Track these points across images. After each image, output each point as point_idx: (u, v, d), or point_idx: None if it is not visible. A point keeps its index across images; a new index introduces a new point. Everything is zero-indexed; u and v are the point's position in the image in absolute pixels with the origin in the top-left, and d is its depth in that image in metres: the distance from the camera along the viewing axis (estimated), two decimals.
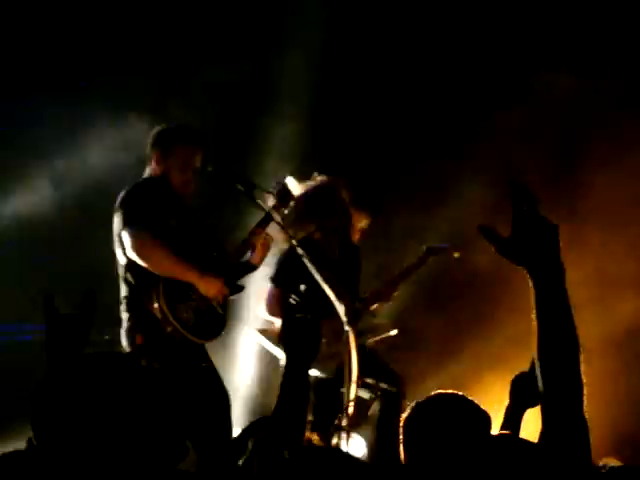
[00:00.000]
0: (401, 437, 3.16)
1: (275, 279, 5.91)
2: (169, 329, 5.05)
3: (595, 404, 2.67)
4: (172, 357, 5.01)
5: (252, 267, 5.46)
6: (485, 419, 3.31)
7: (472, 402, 3.31)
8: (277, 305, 5.84)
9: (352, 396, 4.83)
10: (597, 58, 7.51)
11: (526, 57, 7.66)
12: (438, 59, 7.75)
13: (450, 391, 3.31)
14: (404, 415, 3.17)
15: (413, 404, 3.20)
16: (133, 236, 5.04)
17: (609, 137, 7.26)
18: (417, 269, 6.34)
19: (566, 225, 2.48)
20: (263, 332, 5.87)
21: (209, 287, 5.19)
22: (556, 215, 2.40)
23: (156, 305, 5.05)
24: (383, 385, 5.54)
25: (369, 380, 5.64)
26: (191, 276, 5.15)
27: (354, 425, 4.97)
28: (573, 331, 2.36)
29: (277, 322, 5.71)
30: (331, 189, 6.02)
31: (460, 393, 3.32)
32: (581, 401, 2.40)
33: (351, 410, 4.81)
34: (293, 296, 5.02)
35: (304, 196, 5.85)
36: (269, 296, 5.92)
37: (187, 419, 4.31)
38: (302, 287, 5.59)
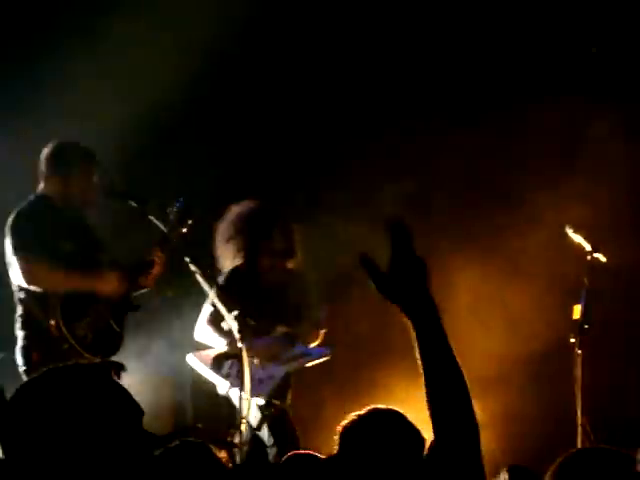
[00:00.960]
0: (336, 445, 3.25)
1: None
2: (65, 346, 5.11)
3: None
4: None
5: (141, 287, 5.53)
6: (419, 440, 3.36)
7: (408, 422, 3.37)
8: (211, 326, 5.80)
9: (244, 413, 4.94)
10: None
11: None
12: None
13: (389, 407, 3.39)
14: (342, 423, 3.25)
15: (353, 415, 3.27)
16: (23, 264, 5.12)
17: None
18: None
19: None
20: (199, 357, 5.77)
21: (107, 283, 5.29)
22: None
23: (52, 322, 5.11)
24: (275, 402, 5.60)
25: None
26: (88, 281, 5.25)
27: (245, 441, 5.08)
28: (455, 368, 2.34)
29: (213, 345, 5.71)
30: (274, 211, 6.02)
31: (398, 410, 3.39)
32: (475, 443, 2.37)
33: (243, 427, 4.92)
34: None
35: (246, 215, 5.87)
36: (203, 316, 5.87)
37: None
38: (235, 312, 5.54)
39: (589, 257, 5.83)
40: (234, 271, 5.81)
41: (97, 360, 5.20)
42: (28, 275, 5.11)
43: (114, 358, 5.25)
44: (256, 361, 5.51)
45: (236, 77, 7.64)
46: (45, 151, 5.43)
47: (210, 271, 5.35)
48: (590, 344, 5.83)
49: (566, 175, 7.27)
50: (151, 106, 6.78)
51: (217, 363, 5.62)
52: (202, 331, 5.75)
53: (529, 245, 7.07)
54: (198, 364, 5.67)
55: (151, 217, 5.37)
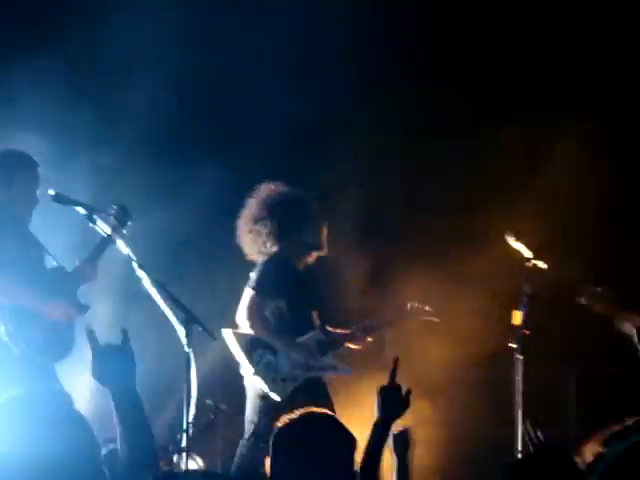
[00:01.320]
0: (270, 449, 3.34)
1: (256, 287, 5.95)
2: (16, 350, 5.26)
3: None
4: (22, 378, 5.17)
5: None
6: (350, 443, 3.54)
7: (341, 425, 3.53)
8: (254, 313, 5.92)
9: (191, 418, 5.05)
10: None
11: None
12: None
13: (322, 410, 3.56)
14: (276, 427, 3.35)
15: (285, 419, 3.39)
16: None
17: None
18: (394, 325, 6.47)
19: None
20: (236, 335, 5.88)
21: (55, 311, 5.43)
22: None
23: (2, 329, 5.26)
24: (222, 405, 5.74)
25: (208, 401, 5.86)
26: (37, 305, 5.39)
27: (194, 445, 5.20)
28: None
29: (249, 330, 5.83)
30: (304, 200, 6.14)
31: (330, 413, 3.59)
32: None
33: (190, 432, 5.03)
34: None
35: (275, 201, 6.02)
36: (249, 303, 5.97)
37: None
38: (282, 302, 5.81)
39: (529, 264, 6.01)
40: (280, 259, 5.93)
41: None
42: None
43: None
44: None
45: None
46: None
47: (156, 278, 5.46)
48: (529, 349, 6.05)
49: (514, 192, 7.71)
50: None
51: (251, 346, 5.79)
52: (247, 315, 5.91)
53: (474, 256, 7.39)
54: (232, 340, 5.81)
55: (96, 219, 5.49)
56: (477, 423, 7.22)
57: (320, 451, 3.40)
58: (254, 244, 6.05)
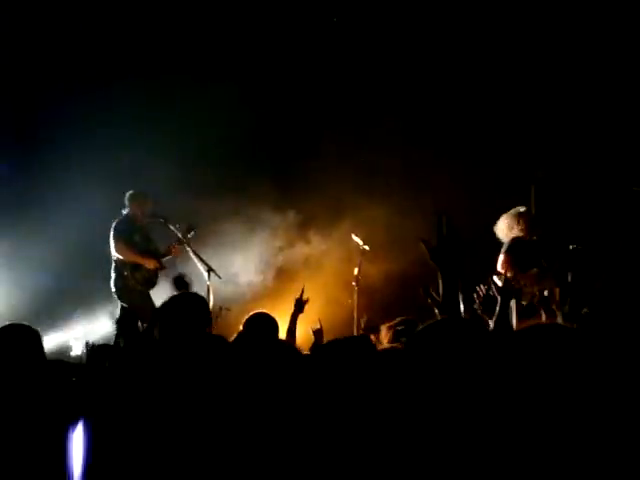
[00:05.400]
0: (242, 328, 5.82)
1: (507, 251, 8.62)
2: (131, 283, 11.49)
3: None
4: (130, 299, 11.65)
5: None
6: (274, 325, 5.97)
7: (269, 315, 5.89)
8: (506, 268, 8.22)
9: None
10: None
11: None
12: None
13: (261, 310, 6.23)
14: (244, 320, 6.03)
15: (252, 313, 6.00)
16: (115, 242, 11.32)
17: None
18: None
19: None
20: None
21: (150, 263, 11.61)
22: None
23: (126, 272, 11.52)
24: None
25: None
26: (140, 259, 11.55)
27: None
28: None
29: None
30: None
31: (265, 311, 6.18)
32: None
33: None
34: None
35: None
36: (502, 262, 8.59)
37: None
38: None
39: (362, 248, 11.99)
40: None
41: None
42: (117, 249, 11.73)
43: None
44: None
45: None
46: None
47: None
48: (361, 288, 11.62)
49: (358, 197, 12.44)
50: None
51: None
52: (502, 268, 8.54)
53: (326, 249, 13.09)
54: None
55: (171, 227, 11.73)
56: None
57: (264, 332, 6.01)
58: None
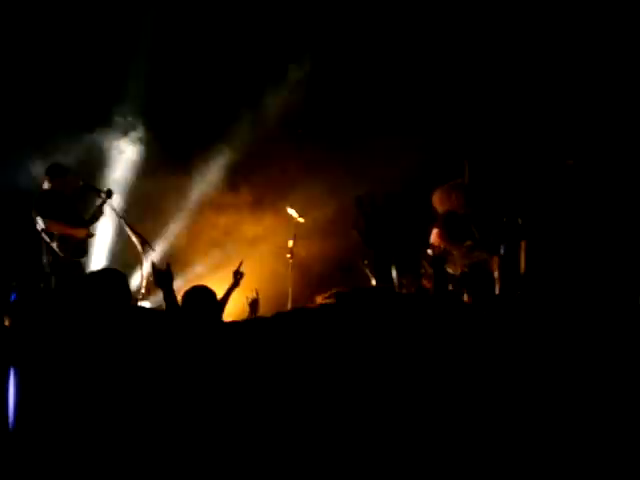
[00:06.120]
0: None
1: (441, 224, 8.97)
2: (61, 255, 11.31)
3: None
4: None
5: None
6: (214, 298, 6.13)
7: (209, 289, 6.05)
8: (438, 241, 8.67)
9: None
10: None
11: None
12: None
13: (201, 284, 6.31)
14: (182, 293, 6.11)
15: (182, 292, 6.05)
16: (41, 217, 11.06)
17: None
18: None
19: None
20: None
21: (79, 232, 11.37)
22: None
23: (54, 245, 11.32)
24: None
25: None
26: (69, 230, 11.33)
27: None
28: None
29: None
30: None
31: (206, 285, 6.26)
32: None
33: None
34: None
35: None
36: (435, 234, 8.91)
37: None
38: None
39: (296, 220, 12.11)
40: None
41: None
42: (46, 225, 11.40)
43: None
44: None
45: None
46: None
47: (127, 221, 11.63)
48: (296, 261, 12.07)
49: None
50: None
51: None
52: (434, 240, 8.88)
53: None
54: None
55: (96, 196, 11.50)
56: None
57: (196, 301, 6.16)
58: None
